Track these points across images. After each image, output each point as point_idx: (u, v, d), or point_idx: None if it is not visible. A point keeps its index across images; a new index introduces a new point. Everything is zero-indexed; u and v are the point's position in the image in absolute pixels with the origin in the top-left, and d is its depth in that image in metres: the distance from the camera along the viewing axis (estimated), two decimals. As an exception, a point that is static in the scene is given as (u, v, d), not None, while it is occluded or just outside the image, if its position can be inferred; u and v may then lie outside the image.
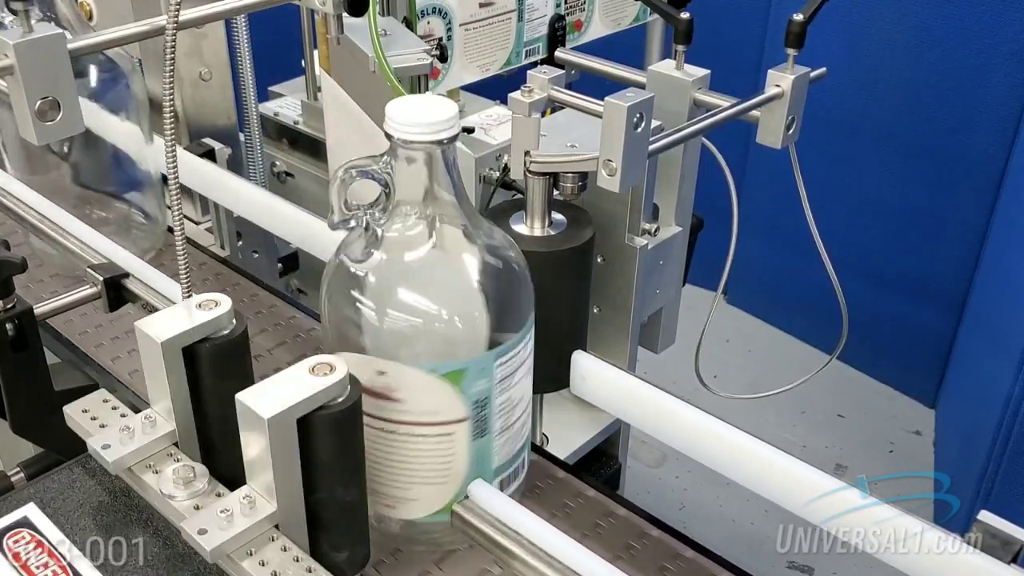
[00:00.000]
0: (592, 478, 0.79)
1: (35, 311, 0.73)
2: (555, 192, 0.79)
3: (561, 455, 0.93)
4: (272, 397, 0.53)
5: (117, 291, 0.81)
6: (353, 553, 0.60)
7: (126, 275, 0.81)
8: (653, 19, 1.35)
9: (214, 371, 0.60)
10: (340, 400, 0.55)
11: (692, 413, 0.72)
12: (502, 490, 0.68)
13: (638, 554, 0.72)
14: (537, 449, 0.83)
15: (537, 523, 0.64)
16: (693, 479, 1.88)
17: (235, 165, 1.20)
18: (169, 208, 1.35)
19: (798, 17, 0.83)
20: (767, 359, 2.19)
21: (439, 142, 0.58)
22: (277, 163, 1.35)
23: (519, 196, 0.83)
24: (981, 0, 1.75)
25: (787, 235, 2.03)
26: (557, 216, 0.80)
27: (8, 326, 0.71)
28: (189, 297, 0.63)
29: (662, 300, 0.97)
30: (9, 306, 0.71)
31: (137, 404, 0.87)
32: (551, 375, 0.81)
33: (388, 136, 0.59)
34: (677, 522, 0.75)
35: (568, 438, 1.03)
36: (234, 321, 0.61)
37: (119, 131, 1.01)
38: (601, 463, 1.10)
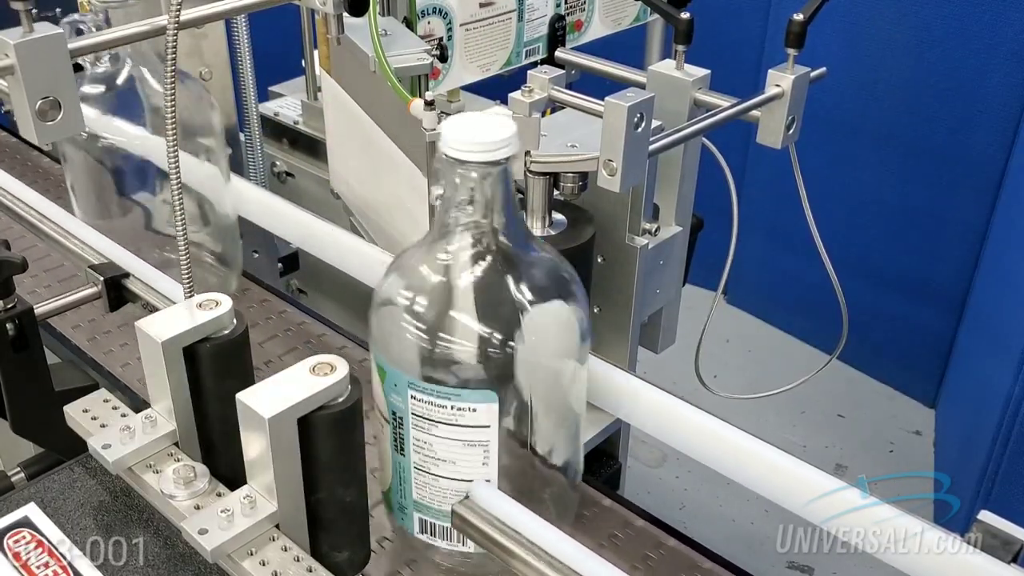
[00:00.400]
0: (591, 477, 0.79)
1: (35, 311, 0.73)
2: (555, 192, 0.79)
3: (561, 455, 0.93)
4: (272, 397, 0.53)
5: (117, 291, 0.81)
6: (353, 553, 0.60)
7: (126, 275, 0.81)
8: (653, 19, 1.35)
9: (215, 371, 0.60)
10: (341, 400, 0.55)
11: (692, 413, 0.72)
12: (421, 529, 0.67)
13: (622, 543, 0.72)
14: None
15: (538, 523, 0.64)
16: (693, 479, 1.87)
17: (235, 165, 1.20)
18: (170, 205, 1.35)
19: (798, 17, 0.83)
20: (767, 359, 2.19)
21: (495, 163, 0.57)
22: (277, 163, 1.35)
23: (519, 196, 0.83)
24: (981, 0, 1.75)
25: (787, 235, 2.03)
26: (557, 216, 0.80)
27: (8, 326, 0.71)
28: (191, 297, 0.64)
29: (662, 300, 0.97)
30: (9, 306, 0.71)
31: (138, 404, 0.87)
32: (551, 375, 0.81)
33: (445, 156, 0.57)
34: (677, 522, 0.75)
35: (568, 438, 1.02)
36: (235, 321, 0.61)
37: (199, 173, 0.94)
38: (601, 463, 1.09)
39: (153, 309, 0.78)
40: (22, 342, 0.72)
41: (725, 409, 0.76)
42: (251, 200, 1.03)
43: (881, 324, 2.07)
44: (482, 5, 1.13)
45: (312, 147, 1.31)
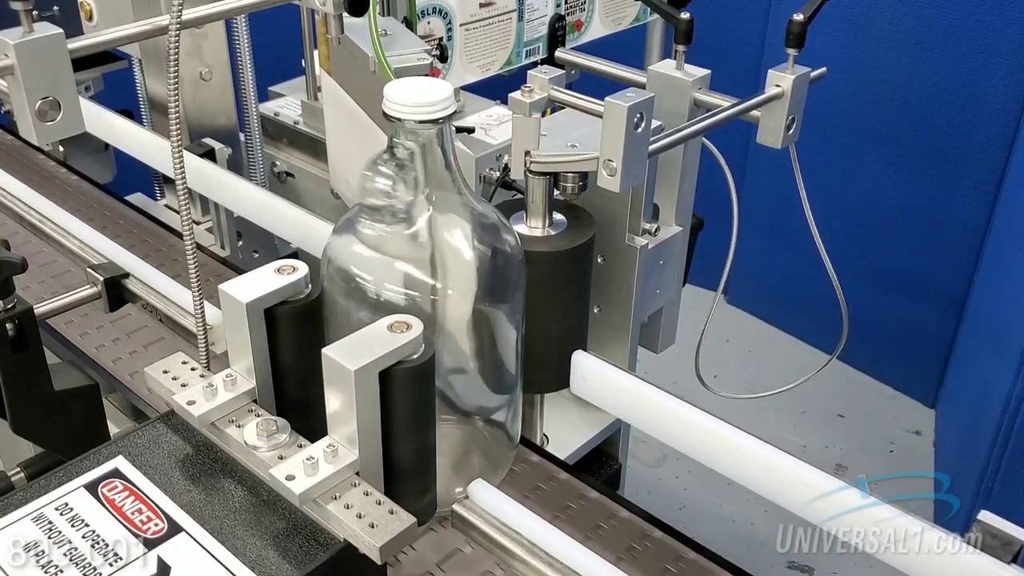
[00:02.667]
0: (592, 478, 0.79)
1: (35, 311, 0.73)
2: (555, 192, 0.79)
3: (561, 455, 0.93)
4: (357, 352, 0.55)
5: (117, 291, 0.81)
6: (424, 500, 0.62)
7: (126, 275, 0.81)
8: (653, 19, 1.35)
9: (292, 332, 0.63)
10: (416, 356, 0.57)
11: (692, 413, 0.72)
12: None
13: (640, 556, 0.72)
14: (537, 449, 0.83)
15: (537, 523, 0.64)
16: (693, 479, 1.88)
17: (235, 165, 1.21)
18: (170, 208, 1.35)
19: (798, 17, 0.83)
20: (767, 359, 2.19)
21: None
22: (277, 163, 1.35)
23: (519, 196, 0.83)
24: (981, 0, 1.75)
25: (787, 235, 2.03)
26: (557, 216, 0.80)
27: (8, 326, 0.71)
28: (200, 300, 0.66)
29: (662, 300, 0.97)
30: (9, 306, 0.71)
31: (139, 406, 0.87)
32: (551, 375, 0.81)
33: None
34: (677, 522, 0.75)
35: (568, 438, 1.03)
36: (310, 286, 0.63)
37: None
38: (601, 463, 1.09)
39: (153, 309, 0.78)
40: (22, 342, 0.72)
41: (725, 409, 0.76)
42: (251, 200, 1.03)
43: (881, 324, 2.07)
44: (482, 5, 1.13)
45: (312, 147, 1.31)
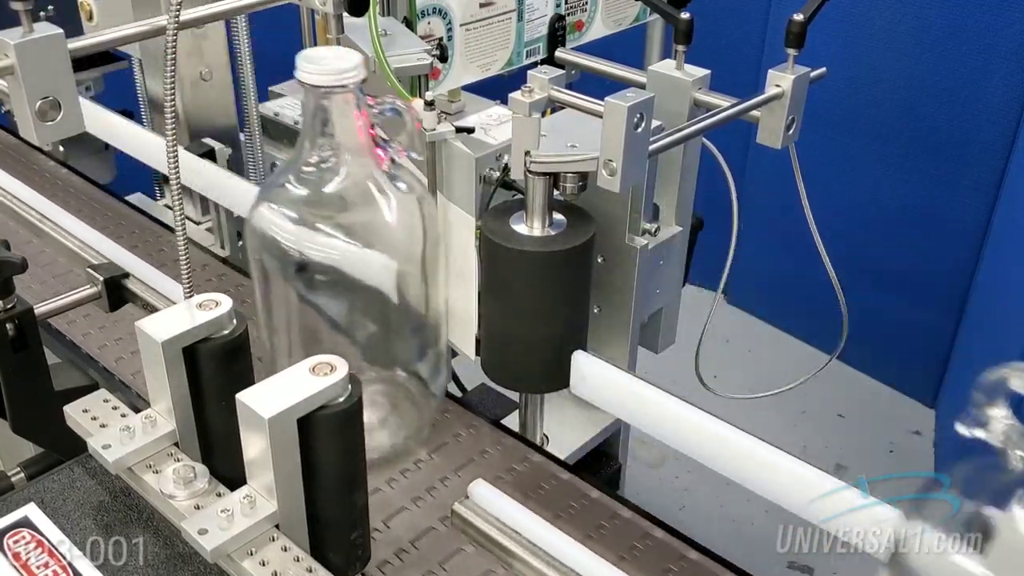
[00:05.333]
0: (593, 478, 0.79)
1: (35, 311, 0.73)
2: (555, 192, 0.79)
3: (561, 455, 0.93)
4: (272, 397, 0.53)
5: (117, 291, 0.81)
6: (353, 553, 0.60)
7: (126, 275, 0.81)
8: (653, 19, 1.35)
9: (214, 371, 0.60)
10: (341, 400, 0.55)
11: (692, 413, 0.72)
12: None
13: (642, 555, 0.72)
14: (538, 449, 0.83)
15: (537, 523, 0.64)
16: (693, 479, 1.87)
17: (235, 165, 1.21)
18: (170, 208, 1.36)
19: (798, 17, 0.83)
20: (767, 359, 2.19)
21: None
22: (277, 163, 1.35)
23: (519, 196, 0.83)
24: (981, 0, 1.75)
25: (787, 235, 2.02)
26: (557, 216, 0.80)
27: (8, 326, 0.71)
28: (191, 296, 0.63)
29: (662, 300, 0.97)
30: (9, 306, 0.71)
31: (139, 405, 0.87)
32: (551, 375, 0.81)
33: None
34: (677, 522, 0.75)
35: (568, 438, 1.03)
36: (235, 321, 0.61)
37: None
38: (601, 463, 1.09)
39: (153, 309, 0.78)
40: (22, 342, 0.72)
41: (725, 409, 0.76)
42: (251, 200, 1.03)
43: (881, 324, 2.06)
44: (482, 5, 1.13)
45: (312, 147, 1.31)
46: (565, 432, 1.03)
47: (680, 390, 0.74)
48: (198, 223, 1.30)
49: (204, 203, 1.30)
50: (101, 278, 0.80)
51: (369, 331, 0.74)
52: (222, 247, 1.24)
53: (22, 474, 0.77)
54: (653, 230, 0.90)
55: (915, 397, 2.11)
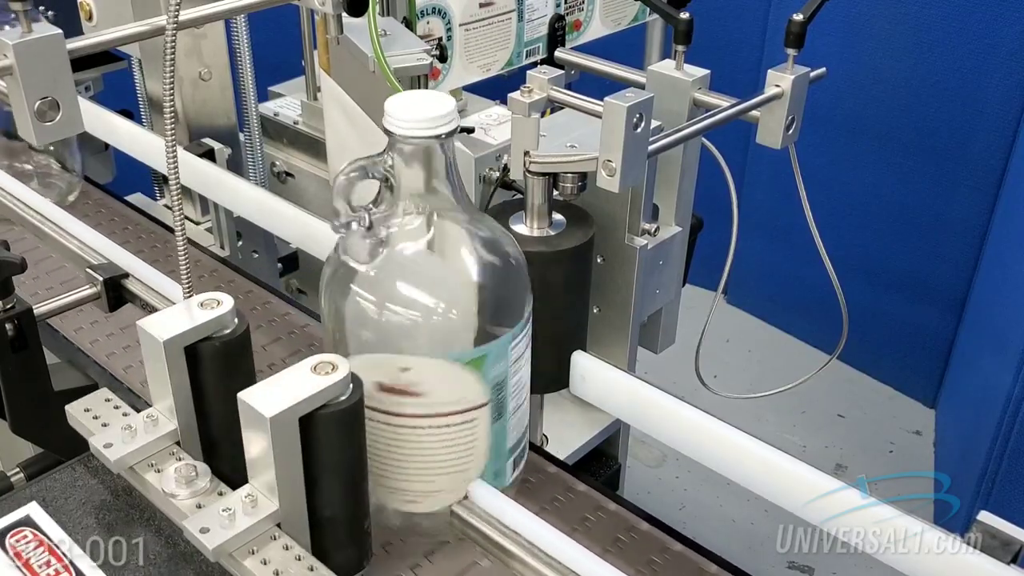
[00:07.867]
0: (586, 475, 0.79)
1: (35, 311, 0.73)
2: (555, 192, 0.79)
3: (561, 455, 0.93)
4: (274, 396, 0.53)
5: (117, 291, 0.81)
6: (354, 552, 0.60)
7: (126, 275, 0.81)
8: (653, 19, 1.35)
9: (216, 370, 0.60)
10: (342, 399, 0.55)
11: (692, 413, 0.72)
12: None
13: (626, 548, 0.71)
14: (534, 447, 0.83)
15: (536, 523, 0.64)
16: (693, 479, 1.88)
17: (235, 165, 1.21)
18: (169, 208, 1.36)
19: (798, 17, 0.83)
20: (767, 359, 2.19)
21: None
22: (277, 163, 1.35)
23: (519, 196, 0.83)
24: (981, 0, 1.75)
25: (787, 235, 2.03)
26: (557, 216, 0.80)
27: (8, 326, 0.71)
28: (191, 296, 0.63)
29: (662, 300, 0.97)
30: (9, 306, 0.71)
31: (138, 404, 0.87)
32: (551, 375, 0.81)
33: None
34: (677, 522, 0.75)
35: (568, 438, 1.03)
36: (236, 320, 0.61)
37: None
38: (601, 463, 1.10)
39: (152, 309, 0.78)
40: (22, 342, 0.72)
41: (725, 409, 0.76)
42: (251, 200, 1.03)
43: (881, 324, 2.07)
44: (482, 5, 1.13)
45: (312, 147, 1.31)
46: (565, 432, 1.03)
47: (680, 390, 0.74)
48: (198, 223, 1.30)
49: (204, 203, 1.30)
50: (100, 278, 0.80)
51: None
52: (222, 247, 1.24)
53: (21, 474, 0.77)
54: (653, 230, 0.90)
55: (915, 397, 2.12)
